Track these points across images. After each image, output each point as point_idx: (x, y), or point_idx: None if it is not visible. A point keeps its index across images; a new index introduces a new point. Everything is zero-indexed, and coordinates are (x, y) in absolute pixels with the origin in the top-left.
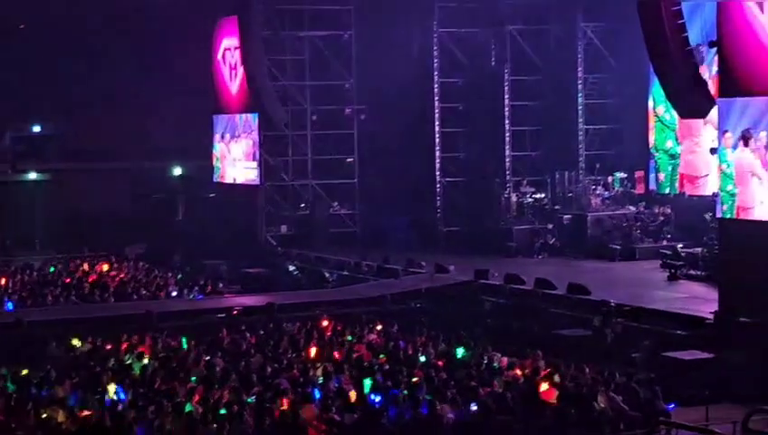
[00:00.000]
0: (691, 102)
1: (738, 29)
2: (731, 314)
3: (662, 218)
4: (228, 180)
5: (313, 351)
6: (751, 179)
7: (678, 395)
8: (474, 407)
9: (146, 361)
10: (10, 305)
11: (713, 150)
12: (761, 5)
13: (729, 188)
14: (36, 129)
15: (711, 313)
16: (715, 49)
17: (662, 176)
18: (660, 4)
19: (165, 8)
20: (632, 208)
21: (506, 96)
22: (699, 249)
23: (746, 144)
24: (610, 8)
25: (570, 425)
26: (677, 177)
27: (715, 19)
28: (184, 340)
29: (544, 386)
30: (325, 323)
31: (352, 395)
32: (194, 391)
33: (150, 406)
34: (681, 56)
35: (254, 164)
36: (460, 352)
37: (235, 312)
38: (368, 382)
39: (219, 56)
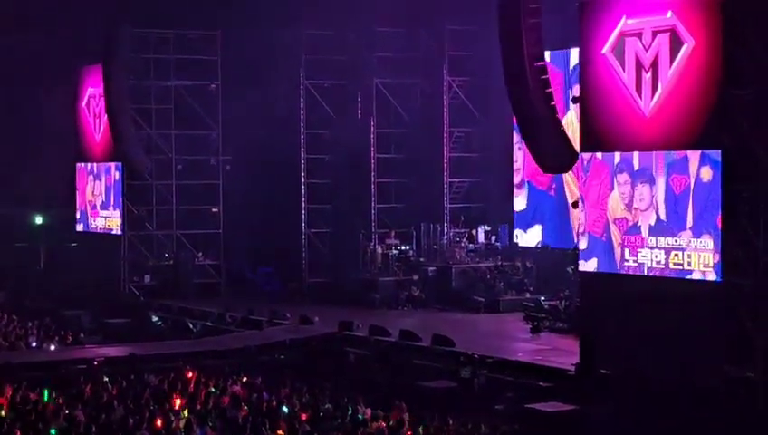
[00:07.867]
0: (555, 157)
1: (601, 85)
2: (591, 367)
3: (524, 271)
4: (91, 229)
5: (177, 402)
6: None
7: None
8: None
9: (2, 413)
10: None
11: (575, 204)
12: (622, 63)
13: None
14: None
15: (572, 365)
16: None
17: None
18: (524, 61)
19: (31, 56)
20: (496, 261)
21: (372, 148)
22: (561, 302)
23: None
24: (476, 63)
25: None
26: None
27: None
28: (46, 392)
29: None
30: (188, 374)
31: None
32: None
33: None
34: (545, 112)
35: (118, 213)
36: (324, 403)
37: (96, 363)
38: None
39: (84, 104)
